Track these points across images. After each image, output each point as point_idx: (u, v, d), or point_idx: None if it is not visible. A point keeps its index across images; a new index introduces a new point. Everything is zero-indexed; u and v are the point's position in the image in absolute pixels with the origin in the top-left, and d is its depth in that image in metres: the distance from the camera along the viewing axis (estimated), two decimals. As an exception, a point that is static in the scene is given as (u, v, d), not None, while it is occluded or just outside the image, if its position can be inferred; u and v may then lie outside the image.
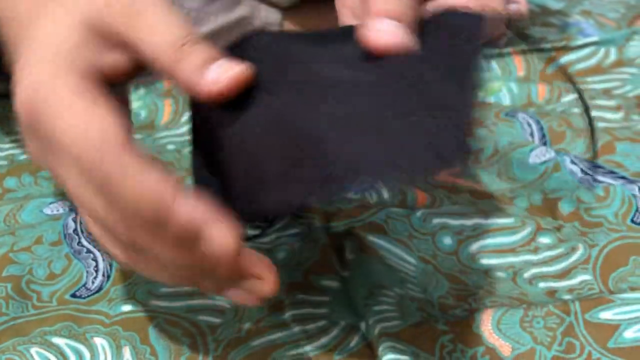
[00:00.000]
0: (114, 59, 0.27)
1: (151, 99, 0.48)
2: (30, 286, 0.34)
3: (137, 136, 0.46)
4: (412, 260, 0.35)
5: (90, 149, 0.23)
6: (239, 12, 0.51)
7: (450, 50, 0.22)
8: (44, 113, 0.25)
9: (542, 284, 0.34)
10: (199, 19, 0.50)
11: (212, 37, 0.50)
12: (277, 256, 0.36)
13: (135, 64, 0.27)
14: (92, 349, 0.31)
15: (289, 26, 0.53)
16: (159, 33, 0.26)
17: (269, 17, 0.52)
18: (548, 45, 0.52)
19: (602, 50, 0.52)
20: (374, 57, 0.22)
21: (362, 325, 0.32)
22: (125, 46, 0.27)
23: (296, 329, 0.32)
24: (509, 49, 0.53)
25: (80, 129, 0.24)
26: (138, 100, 0.48)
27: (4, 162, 0.43)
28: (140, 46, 0.26)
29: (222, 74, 0.25)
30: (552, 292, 0.33)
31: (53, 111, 0.25)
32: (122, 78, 0.27)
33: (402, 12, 0.25)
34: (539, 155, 0.41)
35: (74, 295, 0.34)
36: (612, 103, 0.46)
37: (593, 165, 0.40)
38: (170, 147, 0.45)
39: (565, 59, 0.52)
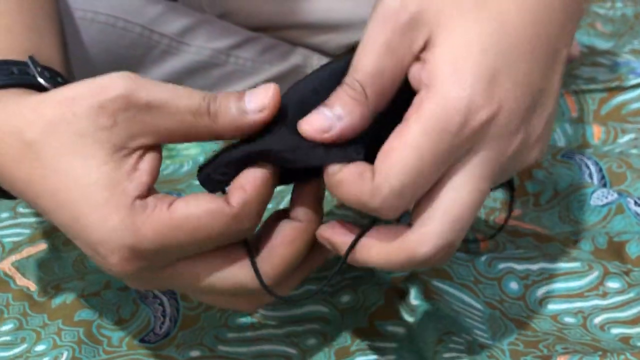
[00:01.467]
0: (149, 162, 0.27)
1: (209, 145, 0.49)
2: (100, 331, 0.35)
3: (195, 182, 0.47)
4: (478, 305, 0.35)
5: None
6: (293, 60, 0.52)
7: None
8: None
9: (614, 330, 0.33)
10: (254, 68, 0.51)
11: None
12: (340, 299, 0.36)
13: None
14: (162, 394, 0.32)
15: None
16: (178, 112, 0.26)
17: (321, 65, 0.54)
18: (600, 86, 0.52)
19: (657, 90, 0.51)
20: None
21: (432, 372, 0.31)
22: (151, 143, 0.27)
23: (364, 375, 0.32)
24: (561, 90, 0.53)
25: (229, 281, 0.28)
26: (196, 146, 0.49)
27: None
28: (164, 137, 0.27)
29: (262, 100, 0.26)
30: (626, 339, 0.32)
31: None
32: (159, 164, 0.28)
33: None
34: (601, 197, 0.41)
35: (142, 340, 0.34)
36: (671, 143, 0.46)
37: (659, 207, 0.39)
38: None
39: (619, 99, 0.51)
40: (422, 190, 0.26)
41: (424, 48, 0.27)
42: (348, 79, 0.27)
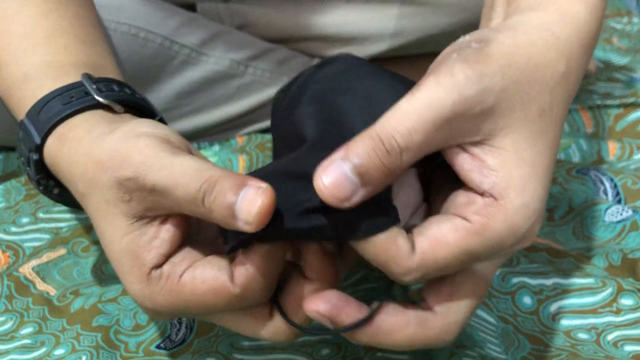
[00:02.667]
0: (170, 231, 0.28)
1: (226, 154, 0.50)
2: (118, 336, 0.36)
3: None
4: (491, 319, 0.35)
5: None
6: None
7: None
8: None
9: (627, 347, 0.33)
10: (272, 79, 0.52)
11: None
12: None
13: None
14: (178, 401, 0.32)
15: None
16: (178, 200, 0.26)
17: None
18: (616, 102, 0.52)
19: (674, 107, 0.51)
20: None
21: (445, 385, 0.31)
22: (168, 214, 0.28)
23: (377, 387, 0.32)
24: (576, 105, 0.53)
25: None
26: (213, 155, 0.50)
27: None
28: (175, 212, 0.27)
29: (249, 214, 0.24)
30: (639, 357, 0.32)
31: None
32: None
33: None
34: (615, 213, 0.41)
35: (159, 347, 0.35)
36: (687, 160, 0.46)
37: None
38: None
39: (635, 115, 0.51)
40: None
41: (480, 141, 0.25)
42: (385, 137, 0.24)
